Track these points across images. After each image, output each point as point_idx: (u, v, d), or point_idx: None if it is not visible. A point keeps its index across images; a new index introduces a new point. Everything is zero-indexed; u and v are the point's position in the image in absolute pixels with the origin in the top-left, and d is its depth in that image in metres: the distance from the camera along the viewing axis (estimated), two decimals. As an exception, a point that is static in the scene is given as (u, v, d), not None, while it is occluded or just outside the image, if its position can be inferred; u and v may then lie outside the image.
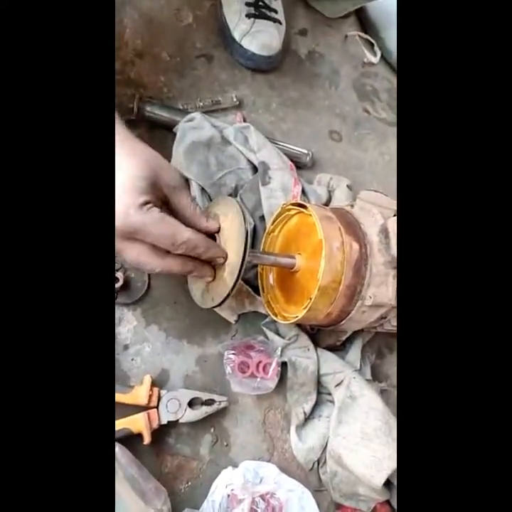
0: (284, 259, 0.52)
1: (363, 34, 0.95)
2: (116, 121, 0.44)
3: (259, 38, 0.74)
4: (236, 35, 0.74)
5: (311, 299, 0.47)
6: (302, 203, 0.52)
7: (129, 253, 0.42)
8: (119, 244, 0.41)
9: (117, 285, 0.52)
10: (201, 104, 0.68)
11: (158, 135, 0.63)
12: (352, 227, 0.51)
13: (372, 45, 0.95)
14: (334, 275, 0.47)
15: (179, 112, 0.63)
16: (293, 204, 0.54)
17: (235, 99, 0.72)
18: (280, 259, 0.52)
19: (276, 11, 0.77)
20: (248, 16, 0.73)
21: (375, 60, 0.93)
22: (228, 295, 0.46)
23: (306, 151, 0.72)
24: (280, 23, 0.77)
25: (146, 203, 0.41)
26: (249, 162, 0.64)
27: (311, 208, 0.50)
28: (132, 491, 0.36)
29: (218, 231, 0.49)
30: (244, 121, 0.69)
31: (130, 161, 0.41)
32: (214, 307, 0.49)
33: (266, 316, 0.59)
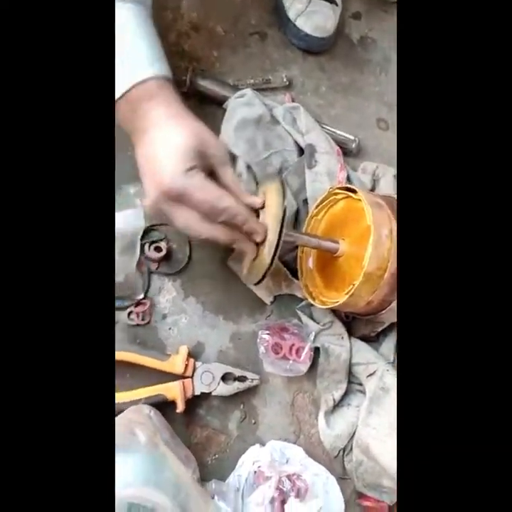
0: (328, 242, 0.51)
1: (418, 22, 0.92)
2: (170, 93, 0.45)
3: (314, 19, 0.72)
4: (291, 15, 0.72)
5: (354, 284, 0.46)
6: (352, 187, 0.51)
7: (177, 217, 0.44)
8: (168, 208, 0.43)
9: (160, 254, 0.52)
10: (252, 81, 0.67)
11: (208, 109, 0.62)
12: None
13: (427, 34, 0.92)
14: (380, 262, 0.46)
15: (230, 88, 0.63)
16: (340, 188, 0.53)
17: (285, 79, 0.70)
18: (324, 242, 0.51)
19: None
20: None
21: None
22: (265, 273, 0.46)
23: (352, 138, 0.71)
24: (336, 5, 0.75)
25: (192, 168, 0.42)
26: (296, 144, 0.63)
27: (361, 192, 0.49)
28: (173, 453, 0.36)
29: (263, 207, 0.48)
30: (293, 101, 0.68)
31: (179, 132, 0.43)
32: (255, 284, 0.48)
33: (301, 300, 0.58)
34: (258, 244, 0.48)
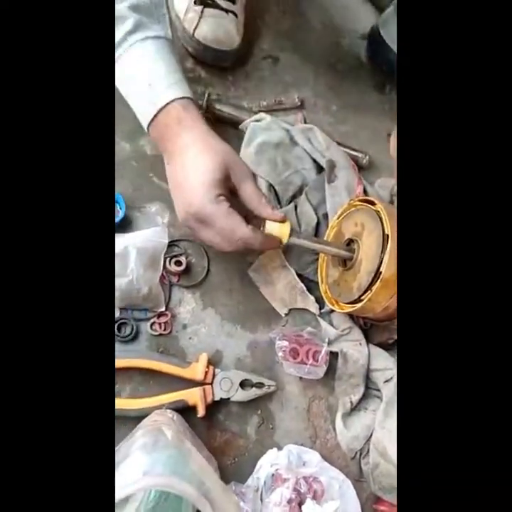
0: (345, 252, 0.53)
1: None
2: (195, 115, 0.49)
3: (207, 29, 0.65)
4: (186, 24, 0.66)
5: (371, 290, 0.49)
6: (371, 199, 0.54)
7: (202, 235, 0.50)
8: (195, 226, 0.49)
9: (180, 268, 0.56)
10: (265, 103, 0.71)
11: (224, 131, 0.66)
12: None
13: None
14: (396, 269, 0.48)
15: (245, 111, 0.67)
16: (360, 200, 0.56)
17: (297, 100, 0.74)
18: (342, 251, 0.53)
19: (233, 2, 0.67)
20: (195, 2, 0.65)
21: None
22: (362, 295, 0.51)
23: (362, 154, 0.73)
24: (235, 16, 0.67)
25: (219, 195, 0.47)
26: (314, 162, 0.66)
27: (379, 203, 0.52)
28: (196, 449, 0.39)
29: (283, 221, 0.51)
30: (305, 122, 0.72)
31: (206, 157, 0.47)
32: (348, 303, 0.53)
33: (314, 315, 0.61)
34: (349, 268, 0.53)
